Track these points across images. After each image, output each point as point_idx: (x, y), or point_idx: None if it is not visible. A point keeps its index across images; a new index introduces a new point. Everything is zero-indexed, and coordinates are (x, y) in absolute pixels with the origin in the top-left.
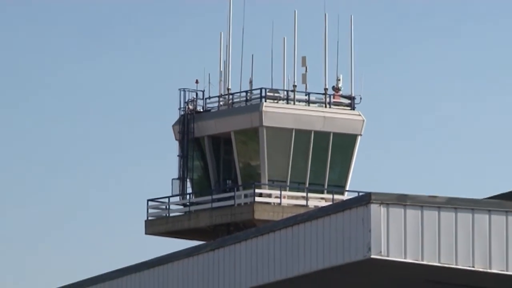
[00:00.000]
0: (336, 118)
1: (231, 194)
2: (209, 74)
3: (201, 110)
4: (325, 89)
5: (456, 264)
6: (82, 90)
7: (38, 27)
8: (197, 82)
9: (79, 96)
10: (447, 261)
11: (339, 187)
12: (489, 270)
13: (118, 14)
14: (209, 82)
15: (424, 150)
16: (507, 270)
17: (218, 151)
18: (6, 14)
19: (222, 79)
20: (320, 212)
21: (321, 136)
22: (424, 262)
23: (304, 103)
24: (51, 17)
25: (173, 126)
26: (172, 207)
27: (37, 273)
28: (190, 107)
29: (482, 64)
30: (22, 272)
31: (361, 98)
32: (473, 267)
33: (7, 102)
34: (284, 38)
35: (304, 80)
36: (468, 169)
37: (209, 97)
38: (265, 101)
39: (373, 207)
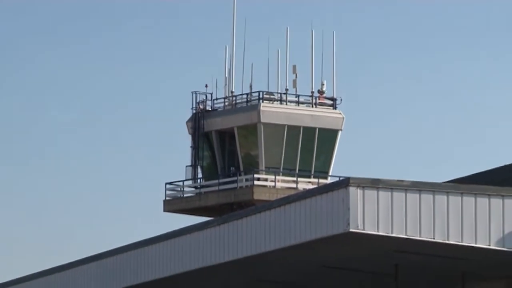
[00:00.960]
0: (321, 116)
1: (234, 178)
2: (216, 79)
3: (210, 109)
4: (312, 92)
5: (420, 236)
6: (121, 94)
7: (59, 30)
8: (206, 86)
9: (118, 99)
10: (412, 234)
11: (323, 173)
12: (447, 241)
13: (149, 33)
14: (216, 86)
15: (393, 142)
16: (462, 242)
17: (223, 143)
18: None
19: (227, 83)
20: (307, 193)
21: (309, 131)
22: (394, 235)
23: (294, 104)
24: (79, 27)
25: (186, 122)
26: (186, 189)
27: (74, 242)
28: (201, 107)
29: (439, 73)
30: (56, 243)
31: (341, 100)
32: (434, 239)
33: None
34: (278, 50)
35: (294, 85)
36: (430, 158)
37: (216, 99)
38: (263, 102)
39: (351, 189)
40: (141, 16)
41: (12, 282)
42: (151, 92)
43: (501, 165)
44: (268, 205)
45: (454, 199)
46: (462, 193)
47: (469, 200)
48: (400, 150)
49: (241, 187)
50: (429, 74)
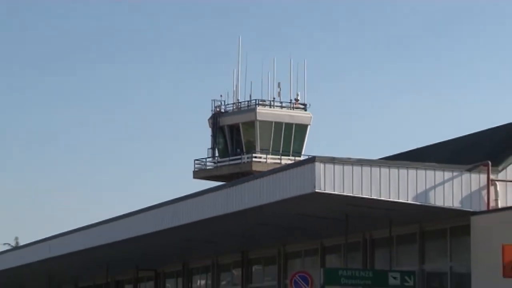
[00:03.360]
0: (296, 115)
1: (239, 156)
2: (228, 91)
3: (223, 111)
4: (291, 100)
5: (362, 195)
6: (167, 102)
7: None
8: (221, 96)
9: (166, 106)
10: (357, 193)
11: (298, 153)
12: (380, 198)
13: (178, 52)
14: (228, 96)
15: (345, 132)
16: (389, 198)
17: (232, 133)
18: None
19: (235, 94)
20: (288, 166)
21: (288, 125)
22: (345, 194)
23: (279, 107)
24: (107, 37)
25: (208, 120)
26: (208, 163)
27: (133, 197)
28: (217, 109)
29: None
30: (120, 197)
31: (310, 105)
32: (371, 196)
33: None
34: (268, 72)
35: (279, 95)
36: (369, 142)
37: (228, 104)
38: (258, 106)
39: (317, 164)
40: (180, 53)
41: (92, 225)
42: (186, 100)
43: (415, 147)
44: (262, 174)
45: (384, 170)
46: (389, 166)
47: (394, 171)
48: (350, 137)
49: (244, 162)
50: (372, 89)
